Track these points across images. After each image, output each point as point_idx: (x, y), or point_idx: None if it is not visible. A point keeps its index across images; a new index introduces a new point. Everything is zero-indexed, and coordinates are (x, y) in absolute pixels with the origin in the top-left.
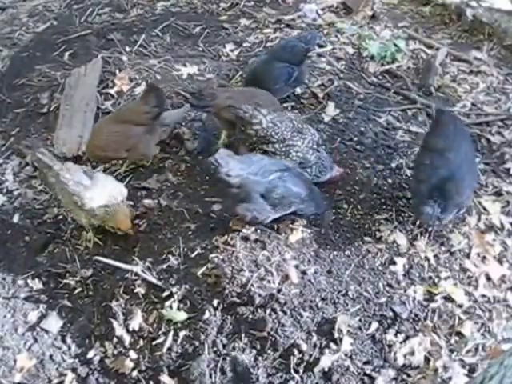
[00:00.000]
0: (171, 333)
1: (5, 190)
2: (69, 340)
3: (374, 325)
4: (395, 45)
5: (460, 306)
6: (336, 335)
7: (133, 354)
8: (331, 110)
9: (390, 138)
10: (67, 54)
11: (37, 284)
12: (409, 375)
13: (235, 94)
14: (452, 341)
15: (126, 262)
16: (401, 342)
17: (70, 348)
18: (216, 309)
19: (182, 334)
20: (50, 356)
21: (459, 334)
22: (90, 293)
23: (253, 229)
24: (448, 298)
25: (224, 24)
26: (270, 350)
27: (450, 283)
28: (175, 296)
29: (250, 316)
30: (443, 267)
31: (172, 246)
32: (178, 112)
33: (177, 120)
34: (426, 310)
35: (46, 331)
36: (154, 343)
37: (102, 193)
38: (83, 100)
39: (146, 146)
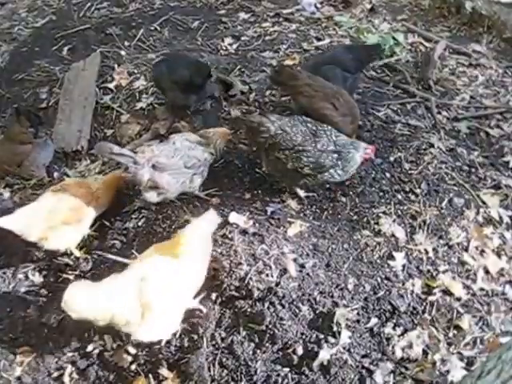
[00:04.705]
0: None
1: (4, 185)
2: (68, 333)
3: (373, 318)
4: (394, 38)
5: (458, 299)
6: (334, 328)
7: (132, 348)
8: None
9: (388, 131)
10: (66, 48)
11: (37, 278)
12: (407, 368)
13: (317, 85)
14: (450, 334)
15: (125, 256)
16: (399, 336)
17: (69, 341)
18: (214, 302)
19: (180, 327)
20: (50, 349)
21: (457, 327)
22: None
23: (251, 222)
24: (446, 292)
25: (222, 18)
26: (268, 344)
27: (448, 276)
28: None
29: (249, 309)
30: (441, 260)
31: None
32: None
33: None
34: (424, 304)
35: (46, 325)
36: None
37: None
38: (82, 94)
39: (32, 164)
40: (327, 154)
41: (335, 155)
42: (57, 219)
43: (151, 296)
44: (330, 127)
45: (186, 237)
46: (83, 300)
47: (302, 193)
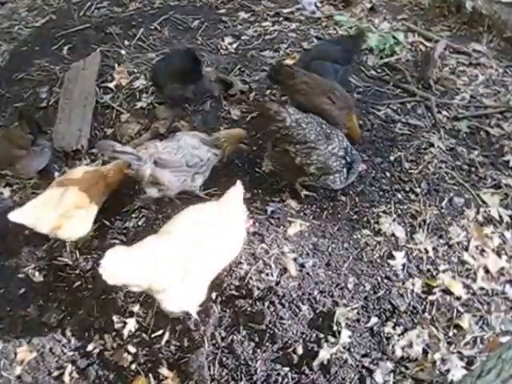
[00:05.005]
0: (170, 326)
1: (5, 184)
2: (68, 333)
3: (373, 317)
4: (394, 37)
5: (458, 298)
6: (334, 328)
7: (132, 347)
8: None
9: (388, 130)
10: (66, 48)
11: (37, 277)
12: (407, 368)
13: (313, 83)
14: (450, 333)
15: None
16: (399, 335)
17: (69, 341)
18: (215, 302)
19: (180, 326)
20: (50, 349)
21: (457, 326)
22: (90, 286)
23: (251, 222)
24: (446, 291)
25: (222, 17)
26: (268, 343)
27: (448, 276)
28: None
29: (249, 309)
30: (442, 260)
31: None
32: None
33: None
34: (424, 303)
35: (46, 324)
36: (152, 336)
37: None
38: (82, 94)
39: (24, 168)
40: (336, 157)
41: (343, 161)
42: (68, 205)
43: (194, 259)
44: (341, 134)
45: (223, 202)
46: (122, 265)
47: (302, 190)
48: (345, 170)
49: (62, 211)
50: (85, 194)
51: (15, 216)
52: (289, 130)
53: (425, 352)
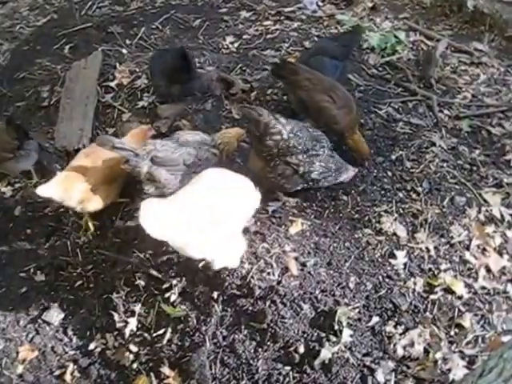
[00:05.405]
0: (171, 325)
1: (6, 183)
2: (70, 332)
3: (374, 317)
4: (395, 36)
5: (460, 297)
6: (336, 327)
7: (133, 346)
8: None
9: (390, 129)
10: (67, 47)
11: (38, 276)
12: (408, 367)
13: (316, 79)
14: (452, 332)
15: (127, 255)
16: (400, 334)
17: (71, 340)
18: (216, 301)
19: (182, 326)
20: (52, 348)
21: (459, 325)
22: (91, 285)
23: (253, 221)
24: (448, 290)
25: (224, 16)
26: (269, 342)
27: (449, 275)
28: (175, 288)
29: (250, 308)
30: (443, 259)
31: None
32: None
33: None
34: (425, 302)
35: (48, 323)
36: (154, 335)
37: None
38: (84, 93)
39: (8, 169)
40: (332, 158)
41: (334, 159)
42: (96, 179)
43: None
44: (323, 134)
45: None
46: (162, 217)
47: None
48: (337, 168)
49: (89, 185)
50: (110, 170)
51: (43, 190)
52: (289, 141)
53: (426, 351)
